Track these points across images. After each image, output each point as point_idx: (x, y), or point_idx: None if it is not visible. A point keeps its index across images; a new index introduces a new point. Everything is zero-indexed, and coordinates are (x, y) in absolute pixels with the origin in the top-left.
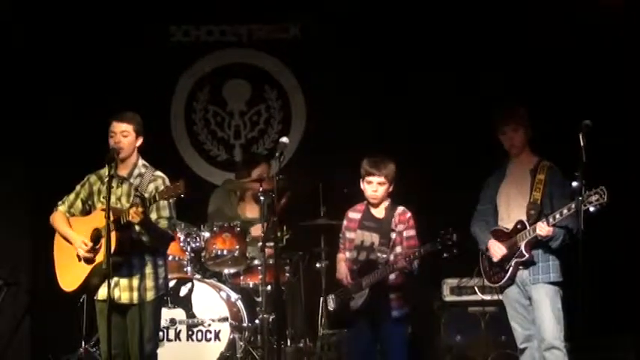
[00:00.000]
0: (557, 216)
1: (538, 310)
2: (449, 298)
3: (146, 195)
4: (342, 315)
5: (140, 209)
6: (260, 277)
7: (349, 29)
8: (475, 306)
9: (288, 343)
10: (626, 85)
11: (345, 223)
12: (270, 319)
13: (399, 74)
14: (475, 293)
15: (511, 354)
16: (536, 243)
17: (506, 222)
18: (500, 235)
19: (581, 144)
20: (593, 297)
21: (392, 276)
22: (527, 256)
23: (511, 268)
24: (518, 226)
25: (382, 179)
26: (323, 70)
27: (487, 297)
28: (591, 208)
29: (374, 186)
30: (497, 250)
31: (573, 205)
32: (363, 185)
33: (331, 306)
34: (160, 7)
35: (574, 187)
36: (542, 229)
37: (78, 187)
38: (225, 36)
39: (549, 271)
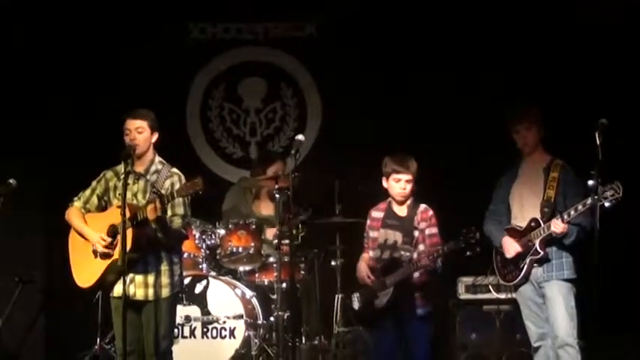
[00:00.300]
0: (572, 212)
1: (552, 307)
2: (464, 296)
3: (163, 192)
4: (367, 313)
5: (158, 206)
6: (275, 274)
7: (365, 28)
8: (490, 304)
9: (303, 341)
10: (635, 83)
11: (368, 222)
12: (285, 317)
13: (416, 72)
14: (490, 291)
15: (525, 352)
16: (550, 240)
17: (520, 220)
18: (514, 234)
19: (597, 142)
20: (605, 295)
21: (416, 274)
22: (541, 253)
23: (525, 266)
24: (532, 224)
25: (410, 177)
26: (339, 68)
27: (502, 295)
28: (606, 204)
29: (402, 184)
30: (511, 247)
31: (589, 201)
32: (388, 183)
33: (355, 305)
34: (177, 4)
35: (590, 186)
36: (558, 225)
37: (94, 183)
38: (241, 34)
39: (563, 268)
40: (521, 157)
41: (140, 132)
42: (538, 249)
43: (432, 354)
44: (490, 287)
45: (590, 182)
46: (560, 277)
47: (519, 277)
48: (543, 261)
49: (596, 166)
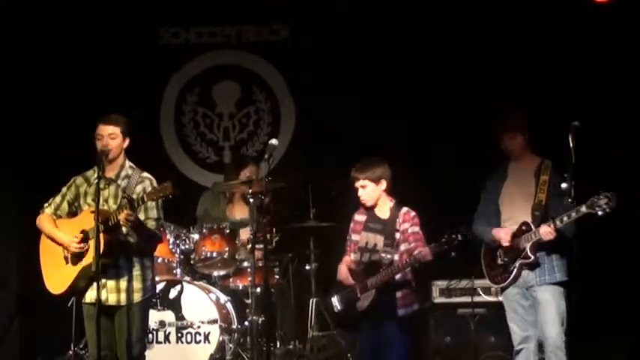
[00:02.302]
0: (565, 219)
1: (543, 311)
2: (438, 299)
3: (134, 196)
4: (348, 316)
5: (129, 211)
6: (249, 279)
7: (337, 31)
8: (464, 308)
9: (278, 345)
10: (620, 84)
11: (351, 225)
12: (260, 321)
13: (384, 74)
14: (464, 295)
15: (501, 355)
16: (541, 245)
17: (510, 223)
18: None
19: (571, 145)
20: (587, 297)
21: (398, 275)
22: (532, 257)
23: (515, 269)
24: (523, 228)
25: (363, 182)
26: (312, 72)
27: (478, 298)
28: (599, 212)
29: (359, 190)
30: (504, 234)
31: (582, 209)
32: None
33: (337, 307)
34: (149, 8)
35: (564, 188)
36: (547, 233)
37: (64, 189)
38: (214, 37)
39: (554, 272)
40: (508, 159)
41: (113, 138)
42: (529, 253)
43: (412, 354)
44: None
45: (564, 185)
46: (552, 281)
47: (508, 280)
48: (534, 265)
49: (570, 169)
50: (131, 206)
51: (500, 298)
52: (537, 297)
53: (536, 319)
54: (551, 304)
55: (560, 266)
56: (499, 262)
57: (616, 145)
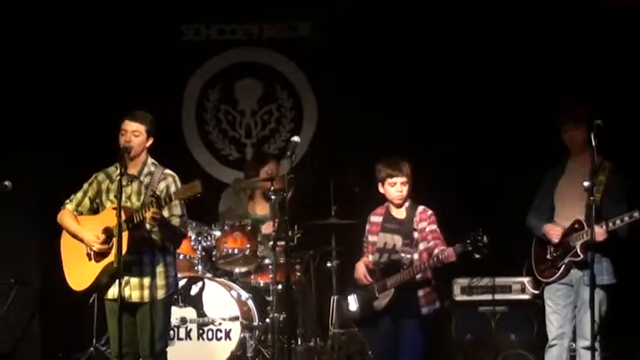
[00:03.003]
0: (618, 222)
1: (586, 310)
2: (459, 297)
3: (159, 194)
4: (365, 315)
5: (156, 209)
6: (271, 276)
7: (360, 28)
8: (485, 305)
9: (299, 342)
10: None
11: (367, 227)
12: (281, 318)
13: (407, 73)
14: (485, 293)
15: (521, 353)
16: (592, 245)
17: (563, 219)
18: None
19: (593, 144)
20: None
21: (419, 274)
22: (581, 256)
23: (564, 266)
24: (576, 226)
25: (404, 179)
26: (334, 69)
27: (498, 297)
28: None
29: (398, 187)
30: (555, 231)
31: (636, 213)
32: (384, 188)
33: (353, 306)
34: (170, 5)
35: (585, 187)
36: (599, 234)
37: (86, 186)
38: (235, 35)
39: (603, 274)
40: (567, 155)
41: (136, 135)
42: (579, 251)
43: (432, 354)
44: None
45: (586, 183)
46: (600, 283)
47: (556, 276)
48: (582, 264)
49: (592, 168)
50: (158, 204)
51: (522, 296)
52: (582, 296)
53: (574, 317)
54: (595, 304)
55: (609, 269)
56: (548, 257)
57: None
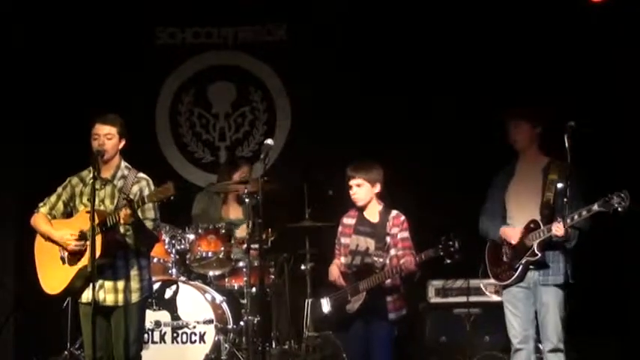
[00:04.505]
0: (576, 217)
1: (546, 312)
2: (434, 299)
3: (131, 197)
4: (337, 318)
5: (128, 212)
6: (245, 279)
7: (333, 31)
8: (460, 307)
9: (273, 345)
10: (616, 85)
11: (339, 229)
12: (255, 321)
13: (382, 74)
14: (460, 295)
15: (495, 355)
16: (549, 244)
17: (516, 220)
18: None
19: (566, 145)
20: (587, 298)
21: (388, 280)
22: (539, 255)
23: (521, 267)
24: (532, 225)
25: (359, 180)
26: (308, 72)
27: (472, 299)
28: (611, 211)
29: (353, 189)
30: (513, 233)
31: (594, 207)
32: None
33: (325, 309)
34: (145, 8)
35: (559, 189)
36: (559, 229)
37: (59, 189)
38: (211, 38)
39: (560, 273)
40: (516, 157)
41: (109, 138)
42: (536, 251)
43: (395, 356)
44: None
45: (560, 185)
46: (557, 282)
47: (513, 278)
48: (540, 264)
49: (566, 169)
50: (131, 207)
51: (495, 298)
52: (541, 297)
53: (536, 319)
54: (554, 305)
55: (567, 269)
56: (504, 259)
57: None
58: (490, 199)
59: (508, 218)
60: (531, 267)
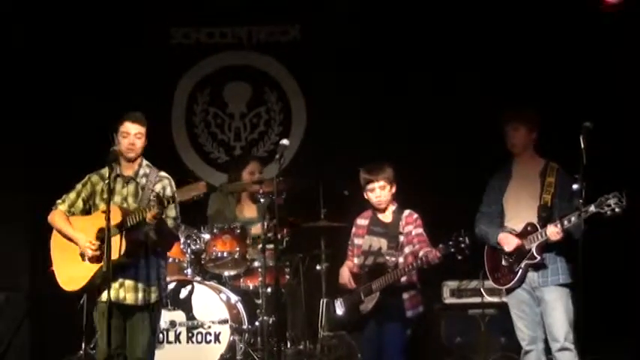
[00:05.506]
0: (573, 219)
1: (550, 312)
2: (449, 300)
3: (161, 194)
4: (351, 319)
5: (157, 210)
6: (260, 279)
7: (348, 30)
8: (475, 308)
9: (288, 345)
10: (626, 87)
11: (353, 230)
12: (270, 322)
13: (398, 74)
14: (475, 295)
15: (510, 356)
16: (547, 245)
17: (514, 223)
18: None
19: (582, 146)
20: (591, 300)
21: (403, 277)
22: (538, 258)
23: (521, 270)
24: (529, 228)
25: (382, 183)
26: (323, 72)
27: (487, 299)
28: (609, 212)
29: (376, 192)
30: (510, 240)
31: (590, 209)
32: (367, 195)
33: (339, 310)
34: (160, 8)
35: (574, 190)
36: (554, 233)
37: (79, 186)
38: (225, 38)
39: (559, 273)
40: (511, 160)
41: (139, 137)
42: (535, 254)
43: (408, 355)
44: (482, 290)
45: (575, 186)
46: (556, 282)
47: (513, 281)
48: (539, 266)
49: (581, 170)
50: (160, 204)
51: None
52: (543, 298)
53: (543, 320)
54: (557, 304)
55: (566, 268)
56: (503, 263)
57: (627, 146)
58: (487, 202)
59: (506, 221)
60: (530, 269)
